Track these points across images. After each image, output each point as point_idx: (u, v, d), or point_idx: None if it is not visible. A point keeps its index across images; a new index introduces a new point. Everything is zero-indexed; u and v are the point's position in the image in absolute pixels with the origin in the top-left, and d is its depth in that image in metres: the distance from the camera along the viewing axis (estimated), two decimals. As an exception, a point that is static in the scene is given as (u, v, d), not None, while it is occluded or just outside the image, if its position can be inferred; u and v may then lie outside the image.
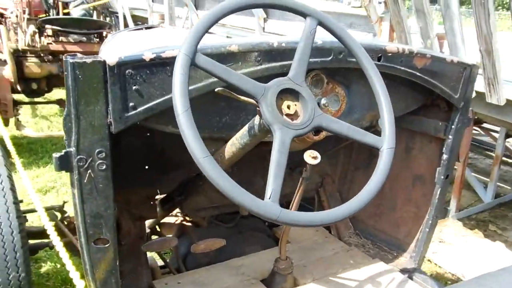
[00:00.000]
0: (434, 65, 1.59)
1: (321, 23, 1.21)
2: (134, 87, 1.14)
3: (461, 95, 1.70)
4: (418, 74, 1.57)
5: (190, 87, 1.21)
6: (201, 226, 2.06)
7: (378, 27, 3.39)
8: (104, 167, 1.17)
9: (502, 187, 5.08)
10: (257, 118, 1.22)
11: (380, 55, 1.48)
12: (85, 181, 1.16)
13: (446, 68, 1.63)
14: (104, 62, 1.10)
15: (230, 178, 0.99)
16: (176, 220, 2.05)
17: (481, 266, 3.57)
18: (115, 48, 2.01)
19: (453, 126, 1.77)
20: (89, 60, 1.08)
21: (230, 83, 1.09)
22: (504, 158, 4.99)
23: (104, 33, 4.73)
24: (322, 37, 1.37)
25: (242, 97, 1.14)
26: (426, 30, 3.06)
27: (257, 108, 1.14)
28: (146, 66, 1.16)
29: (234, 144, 1.31)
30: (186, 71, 1.04)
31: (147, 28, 2.53)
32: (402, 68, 1.53)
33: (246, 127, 1.28)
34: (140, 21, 8.70)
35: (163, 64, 1.18)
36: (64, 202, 2.65)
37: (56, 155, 1.15)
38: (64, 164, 1.15)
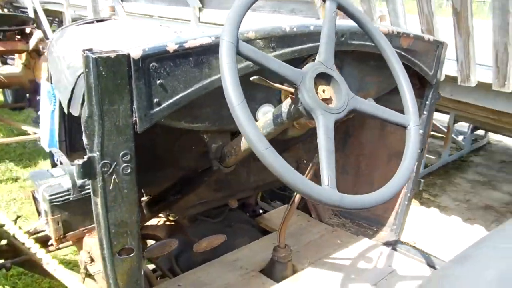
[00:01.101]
0: (415, 44, 1.66)
1: (340, 5, 1.20)
2: (158, 81, 1.06)
3: (434, 72, 1.79)
4: (403, 53, 1.62)
5: (213, 78, 1.16)
6: (183, 224, 1.99)
7: (321, 12, 3.45)
8: (129, 170, 1.08)
9: (428, 157, 5.46)
10: (285, 105, 1.19)
11: None
12: (110, 187, 1.06)
13: (424, 46, 1.71)
14: (128, 55, 1.00)
15: (291, 167, 0.97)
16: (159, 221, 1.96)
17: (425, 230, 3.85)
18: (76, 45, 1.85)
19: (427, 102, 1.86)
20: (113, 54, 0.98)
21: (272, 70, 1.05)
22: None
23: (28, 30, 4.33)
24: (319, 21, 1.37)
25: (277, 85, 1.11)
26: (370, 13, 3.18)
27: (290, 95, 1.11)
28: (170, 58, 1.08)
29: (268, 124, 1.27)
30: (234, 59, 0.99)
31: (98, 21, 2.35)
32: None
33: (269, 116, 1.24)
34: (52, 16, 8.10)
35: (186, 55, 1.10)
36: (18, 217, 2.41)
37: (78, 162, 1.03)
38: (87, 171, 1.04)
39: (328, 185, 0.99)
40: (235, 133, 1.45)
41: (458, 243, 3.54)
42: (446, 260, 1.97)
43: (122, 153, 1.06)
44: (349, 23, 1.38)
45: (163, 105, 1.09)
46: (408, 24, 3.12)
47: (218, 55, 1.16)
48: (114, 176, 1.06)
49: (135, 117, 1.05)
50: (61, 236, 1.91)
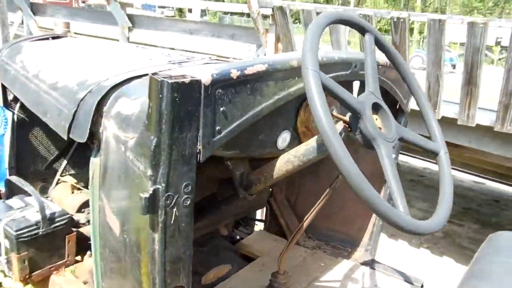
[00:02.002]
0: (397, 76, 1.79)
1: (376, 39, 1.26)
2: (221, 109, 1.01)
3: (407, 101, 1.95)
4: (390, 84, 1.74)
5: (263, 105, 1.13)
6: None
7: (264, 39, 3.55)
8: (188, 202, 1.00)
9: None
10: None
11: None
12: (171, 222, 0.97)
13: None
14: (200, 81, 0.94)
15: (379, 195, 0.97)
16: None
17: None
18: (53, 64, 1.69)
19: None
20: (187, 80, 0.91)
21: (342, 99, 1.06)
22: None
23: None
24: (335, 52, 1.42)
25: (335, 114, 1.12)
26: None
27: (345, 124, 1.12)
28: (232, 84, 1.03)
29: (291, 161, 1.25)
30: (321, 90, 0.97)
31: (53, 38, 2.15)
32: (384, 78, 1.68)
33: (312, 143, 1.23)
34: None
35: (245, 82, 1.07)
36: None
37: (144, 195, 0.93)
38: (151, 205, 0.95)
39: (403, 211, 1.01)
40: (252, 160, 1.42)
41: (389, 257, 3.81)
42: (416, 276, 2.12)
43: (184, 184, 0.98)
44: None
45: (223, 133, 1.04)
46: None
47: (269, 82, 1.15)
48: (175, 209, 0.98)
49: (199, 145, 0.99)
50: (27, 277, 1.70)
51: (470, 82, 2.84)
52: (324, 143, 1.21)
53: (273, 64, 1.14)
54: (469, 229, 4.74)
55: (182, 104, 0.92)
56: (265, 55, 3.59)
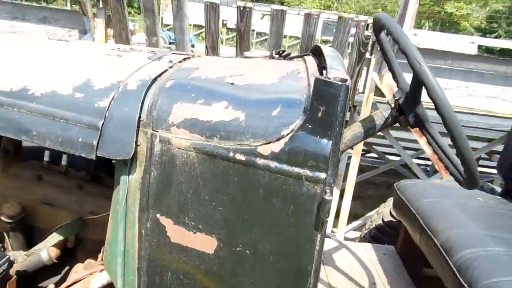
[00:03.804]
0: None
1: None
2: None
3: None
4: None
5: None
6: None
7: (92, 23, 3.19)
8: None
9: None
10: (379, 118, 1.27)
11: None
12: (327, 217, 0.98)
13: None
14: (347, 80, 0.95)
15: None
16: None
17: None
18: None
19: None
20: (348, 82, 0.93)
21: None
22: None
23: None
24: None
25: (391, 101, 1.25)
26: (153, 28, 3.20)
27: (395, 107, 1.23)
28: None
29: (357, 137, 1.28)
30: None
31: None
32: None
33: (358, 129, 1.27)
34: None
35: None
36: None
37: (329, 197, 0.93)
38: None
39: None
40: None
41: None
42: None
43: (332, 178, 1.00)
44: None
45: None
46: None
47: None
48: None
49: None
50: None
51: (304, 64, 3.30)
52: (369, 128, 1.33)
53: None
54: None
55: (345, 104, 0.95)
56: (93, 41, 3.22)
